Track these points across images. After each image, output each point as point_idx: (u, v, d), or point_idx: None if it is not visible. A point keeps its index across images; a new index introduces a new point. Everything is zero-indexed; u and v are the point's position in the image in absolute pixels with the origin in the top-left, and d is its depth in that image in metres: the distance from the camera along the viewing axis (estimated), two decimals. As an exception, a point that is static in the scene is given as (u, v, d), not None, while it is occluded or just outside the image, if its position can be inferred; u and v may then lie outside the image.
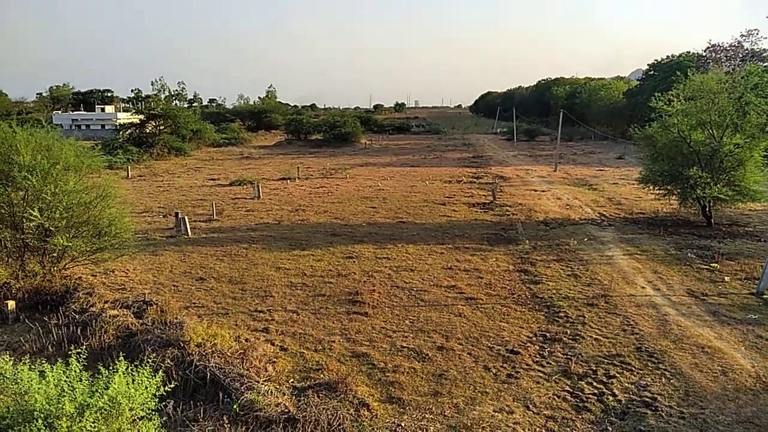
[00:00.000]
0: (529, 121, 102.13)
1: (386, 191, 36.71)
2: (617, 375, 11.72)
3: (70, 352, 7.05)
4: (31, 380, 6.11)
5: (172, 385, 7.43)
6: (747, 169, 24.52)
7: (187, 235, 24.24)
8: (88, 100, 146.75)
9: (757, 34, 70.17)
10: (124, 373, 6.17)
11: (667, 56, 73.79)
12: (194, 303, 16.06)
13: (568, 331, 13.98)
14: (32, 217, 14.54)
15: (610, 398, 10.82)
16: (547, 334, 13.83)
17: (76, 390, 5.95)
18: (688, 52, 72.04)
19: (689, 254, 20.94)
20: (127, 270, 19.14)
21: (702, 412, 10.32)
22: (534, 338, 13.65)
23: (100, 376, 6.31)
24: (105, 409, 5.75)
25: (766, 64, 62.59)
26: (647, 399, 10.76)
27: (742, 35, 69.85)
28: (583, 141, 77.05)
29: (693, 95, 26.31)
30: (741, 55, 67.94)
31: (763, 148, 24.88)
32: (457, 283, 17.70)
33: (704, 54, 70.00)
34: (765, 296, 16.27)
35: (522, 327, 14.34)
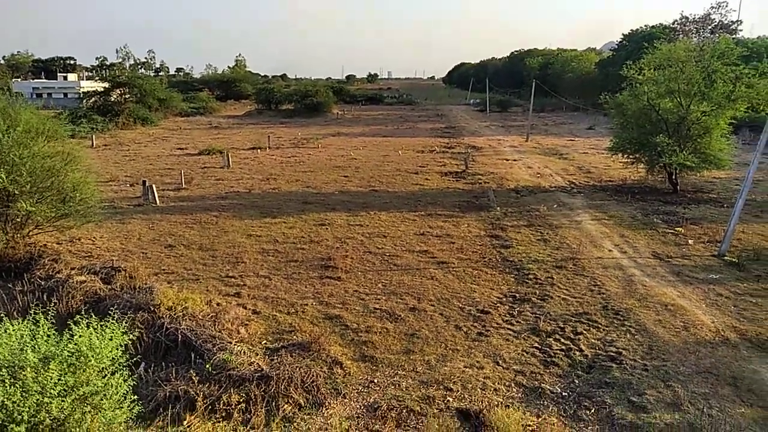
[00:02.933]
0: (502, 93, 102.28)
1: (359, 160, 36.51)
2: (584, 332, 12.03)
3: (36, 314, 6.92)
4: (-5, 336, 5.99)
5: (137, 343, 7.35)
6: (713, 137, 25.05)
7: (155, 204, 23.81)
8: (50, 68, 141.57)
9: (726, 6, 71.19)
10: (90, 326, 6.08)
11: (639, 28, 74.34)
12: (164, 270, 15.86)
13: (537, 292, 14.25)
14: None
15: (577, 353, 11.12)
16: (517, 295, 14.08)
17: (40, 342, 5.85)
18: (661, 24, 72.67)
19: (655, 219, 21.43)
20: (94, 238, 18.75)
21: (664, 364, 10.68)
22: (504, 299, 13.88)
23: (67, 331, 6.21)
24: (71, 360, 5.68)
25: (733, 36, 63.54)
26: (613, 353, 11.08)
27: (712, 7, 70.72)
28: (554, 112, 77.62)
29: (662, 64, 26.61)
30: (710, 27, 68.82)
31: (729, 117, 25.40)
32: (429, 248, 17.82)
33: (675, 26, 70.70)
34: (726, 258, 16.80)
35: (492, 289, 14.56)
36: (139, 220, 21.14)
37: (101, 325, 6.47)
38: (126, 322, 8.90)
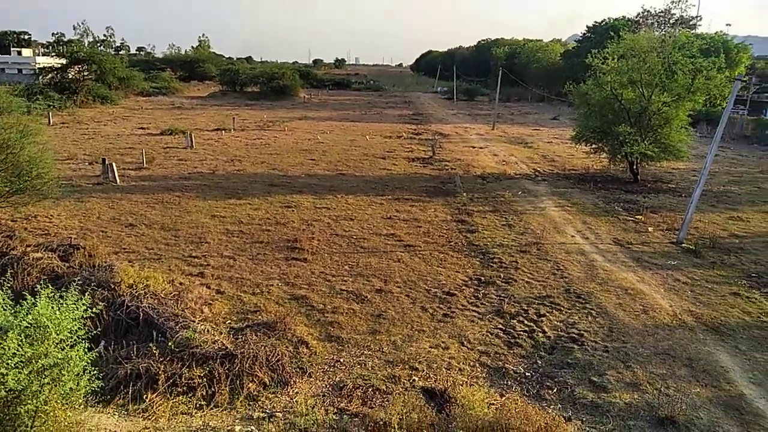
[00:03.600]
0: (469, 81, 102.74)
1: (326, 144, 36.21)
2: (547, 314, 12.24)
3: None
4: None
5: (97, 321, 7.12)
6: (672, 128, 25.70)
7: (115, 183, 23.14)
8: (2, 42, 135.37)
9: (686, 1, 73.00)
10: (48, 297, 5.86)
11: (603, 20, 75.59)
12: (124, 248, 15.45)
13: (502, 275, 14.43)
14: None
15: (540, 335, 11.31)
16: (482, 278, 14.23)
17: (-3, 312, 5.61)
18: (623, 17, 74.02)
19: (616, 207, 21.93)
20: (51, 216, 18.11)
21: (624, 346, 10.97)
22: (469, 282, 14.00)
23: (24, 303, 5.96)
24: (29, 331, 5.46)
25: (693, 31, 65.22)
26: (574, 335, 11.32)
27: (672, 1, 72.43)
28: (520, 102, 78.51)
29: (625, 54, 27.12)
30: (671, 21, 70.48)
31: (688, 109, 26.09)
32: (396, 232, 17.83)
33: (637, 19, 72.14)
34: (684, 245, 17.32)
35: (458, 272, 14.67)
36: (98, 199, 20.50)
37: (61, 296, 6.24)
38: (85, 300, 8.63)
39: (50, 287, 6.49)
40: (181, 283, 12.74)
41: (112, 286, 11.10)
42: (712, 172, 25.88)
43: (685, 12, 72.91)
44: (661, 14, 71.78)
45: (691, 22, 71.41)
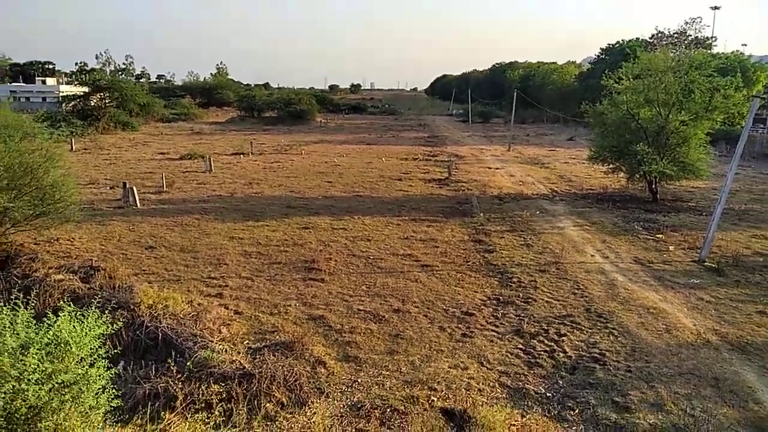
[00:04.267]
0: (483, 104, 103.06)
1: (342, 167, 36.45)
2: (568, 334, 12.05)
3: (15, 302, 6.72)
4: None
5: (116, 341, 7.17)
6: (691, 147, 25.45)
7: (136, 206, 23.47)
8: (28, 72, 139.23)
9: (701, 21, 73.04)
10: (70, 314, 5.91)
11: (617, 41, 75.68)
12: (144, 270, 15.59)
13: (521, 295, 14.28)
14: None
15: (561, 355, 11.13)
16: (501, 298, 14.09)
17: (19, 328, 5.66)
18: (637, 38, 74.07)
19: (636, 226, 21.67)
20: (73, 238, 18.39)
21: (647, 365, 10.73)
22: (488, 301, 13.87)
23: (46, 320, 6.03)
24: (50, 348, 5.50)
25: (708, 51, 64.97)
26: (596, 355, 11.11)
27: (686, 22, 72.45)
28: (535, 124, 78.46)
29: (641, 73, 27.06)
30: (686, 42, 70.36)
31: (707, 128, 25.86)
32: (413, 252, 17.79)
33: (651, 40, 72.13)
34: (706, 263, 17.02)
35: (476, 291, 14.55)
36: (119, 222, 20.80)
37: (82, 315, 6.30)
38: (106, 318, 8.70)
39: (72, 305, 6.56)
40: (199, 304, 12.79)
41: (132, 307, 11.19)
42: (733, 191, 25.50)
43: (699, 33, 72.79)
44: (676, 35, 71.73)
45: (706, 43, 71.21)
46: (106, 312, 10.01)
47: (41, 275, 13.28)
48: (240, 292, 14.10)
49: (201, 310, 12.00)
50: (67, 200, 15.99)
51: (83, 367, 5.90)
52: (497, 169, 37.13)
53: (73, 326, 5.90)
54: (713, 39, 74.87)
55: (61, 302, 11.08)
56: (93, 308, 6.59)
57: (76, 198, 17.22)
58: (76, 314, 6.24)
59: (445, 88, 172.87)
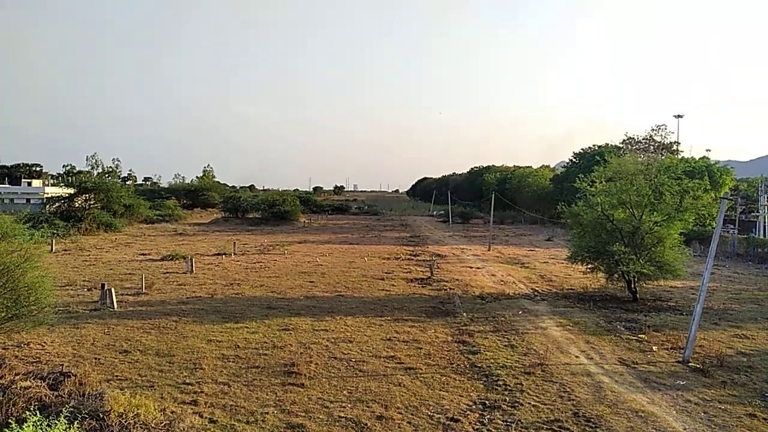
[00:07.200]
0: (463, 205, 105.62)
1: (325, 267, 36.44)
2: (556, 440, 11.64)
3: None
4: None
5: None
6: (666, 246, 26.05)
7: (113, 308, 22.96)
8: (14, 174, 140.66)
9: (666, 128, 77.66)
10: (34, 424, 5.62)
11: (590, 147, 79.44)
12: (117, 376, 14.99)
13: (507, 399, 13.91)
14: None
15: (551, 463, 10.68)
16: (487, 402, 13.70)
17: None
18: (608, 144, 77.91)
19: (618, 326, 21.64)
20: (44, 343, 17.77)
21: (639, 473, 10.33)
22: (474, 406, 13.47)
23: (7, 430, 5.71)
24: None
25: (675, 156, 68.36)
26: (586, 462, 10.69)
27: (653, 129, 76.82)
28: (514, 224, 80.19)
29: (613, 176, 28.22)
30: (653, 147, 74.15)
31: (680, 228, 26.64)
32: (396, 354, 17.43)
33: (622, 145, 75.92)
34: (691, 364, 16.89)
35: (461, 395, 14.15)
36: (94, 325, 20.24)
37: (48, 425, 5.99)
38: (75, 429, 8.25)
39: (38, 414, 6.26)
40: (173, 412, 12.22)
41: (101, 416, 10.65)
42: (710, 290, 25.86)
43: (665, 138, 77.05)
44: (644, 140, 75.76)
45: (672, 148, 75.15)
46: (74, 423, 9.55)
47: (6, 382, 12.68)
48: (216, 399, 13.54)
49: (174, 419, 11.45)
50: (42, 302, 15.59)
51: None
52: (478, 268, 37.39)
53: (39, 438, 5.60)
54: (677, 144, 79.13)
55: (27, 412, 10.56)
56: (62, 420, 6.27)
57: (52, 300, 16.80)
58: (41, 424, 5.93)
59: (425, 190, 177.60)
